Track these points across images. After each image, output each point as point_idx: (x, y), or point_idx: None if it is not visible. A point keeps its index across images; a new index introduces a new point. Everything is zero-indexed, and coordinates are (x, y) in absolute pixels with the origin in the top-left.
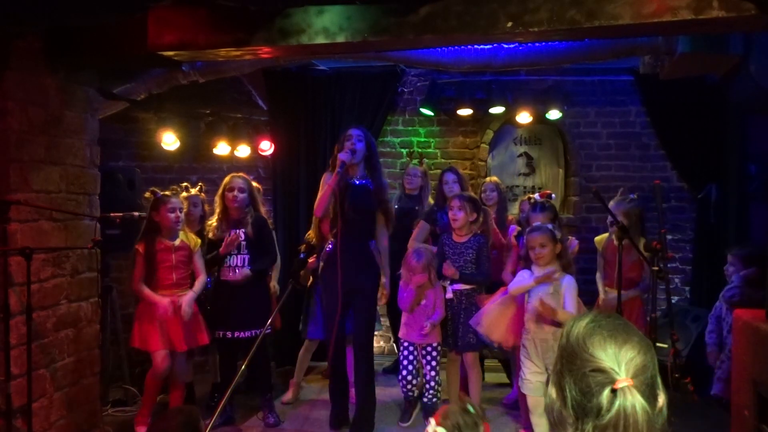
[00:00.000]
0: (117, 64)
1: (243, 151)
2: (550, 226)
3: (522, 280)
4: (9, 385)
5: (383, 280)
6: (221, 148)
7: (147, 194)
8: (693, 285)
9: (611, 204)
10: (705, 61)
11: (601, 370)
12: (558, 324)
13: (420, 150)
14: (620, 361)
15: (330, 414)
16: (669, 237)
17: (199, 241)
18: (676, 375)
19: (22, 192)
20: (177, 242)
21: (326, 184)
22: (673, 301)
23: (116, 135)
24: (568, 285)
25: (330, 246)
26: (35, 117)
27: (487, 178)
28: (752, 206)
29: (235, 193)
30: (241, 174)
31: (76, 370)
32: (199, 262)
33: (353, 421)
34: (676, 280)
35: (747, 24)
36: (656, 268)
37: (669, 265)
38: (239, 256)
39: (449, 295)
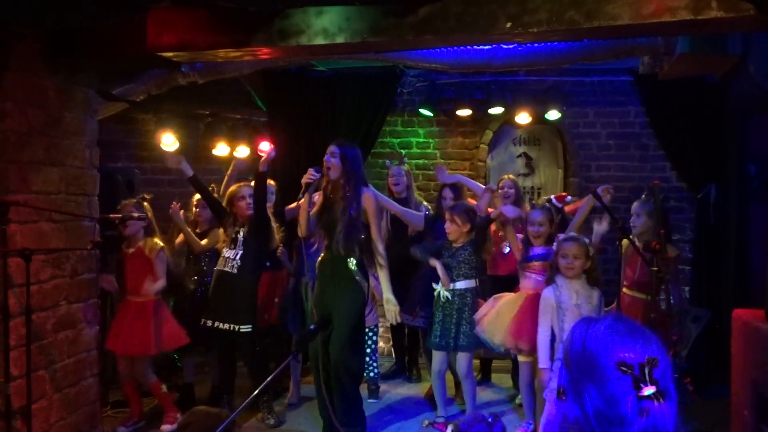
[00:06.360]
0: (116, 66)
1: (242, 152)
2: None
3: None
4: (8, 386)
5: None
6: (220, 149)
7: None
8: (693, 285)
9: (635, 205)
10: (704, 61)
11: (627, 378)
12: None
13: (419, 148)
14: (644, 367)
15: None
16: None
17: (160, 245)
18: (676, 375)
19: (22, 193)
20: (131, 251)
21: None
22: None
23: (115, 136)
24: (599, 301)
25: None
26: (34, 118)
27: (506, 176)
28: (752, 206)
29: (248, 200)
30: (245, 183)
31: (76, 371)
32: (158, 267)
33: None
34: None
35: (746, 24)
36: (655, 269)
37: None
38: (234, 250)
39: (444, 296)
